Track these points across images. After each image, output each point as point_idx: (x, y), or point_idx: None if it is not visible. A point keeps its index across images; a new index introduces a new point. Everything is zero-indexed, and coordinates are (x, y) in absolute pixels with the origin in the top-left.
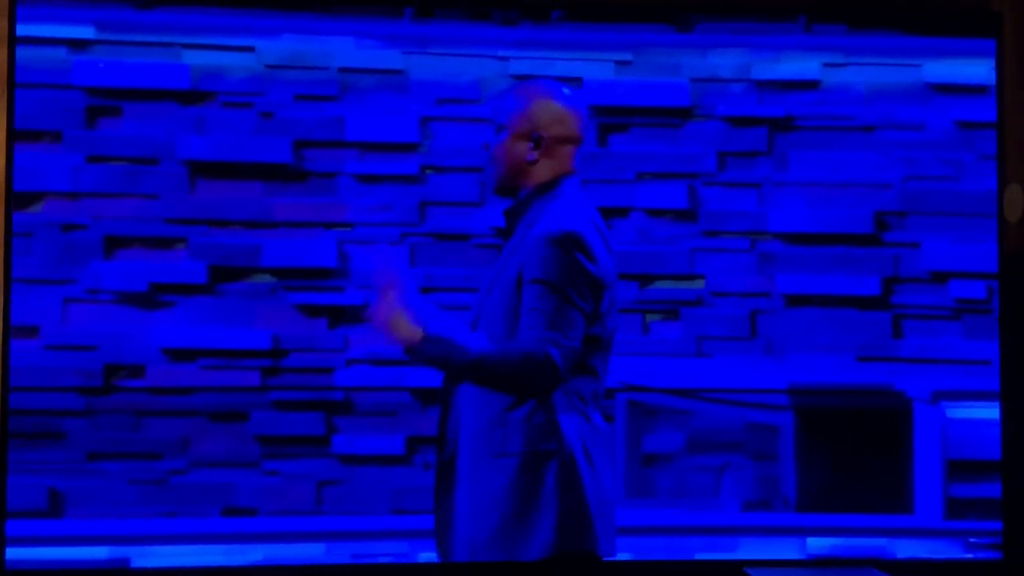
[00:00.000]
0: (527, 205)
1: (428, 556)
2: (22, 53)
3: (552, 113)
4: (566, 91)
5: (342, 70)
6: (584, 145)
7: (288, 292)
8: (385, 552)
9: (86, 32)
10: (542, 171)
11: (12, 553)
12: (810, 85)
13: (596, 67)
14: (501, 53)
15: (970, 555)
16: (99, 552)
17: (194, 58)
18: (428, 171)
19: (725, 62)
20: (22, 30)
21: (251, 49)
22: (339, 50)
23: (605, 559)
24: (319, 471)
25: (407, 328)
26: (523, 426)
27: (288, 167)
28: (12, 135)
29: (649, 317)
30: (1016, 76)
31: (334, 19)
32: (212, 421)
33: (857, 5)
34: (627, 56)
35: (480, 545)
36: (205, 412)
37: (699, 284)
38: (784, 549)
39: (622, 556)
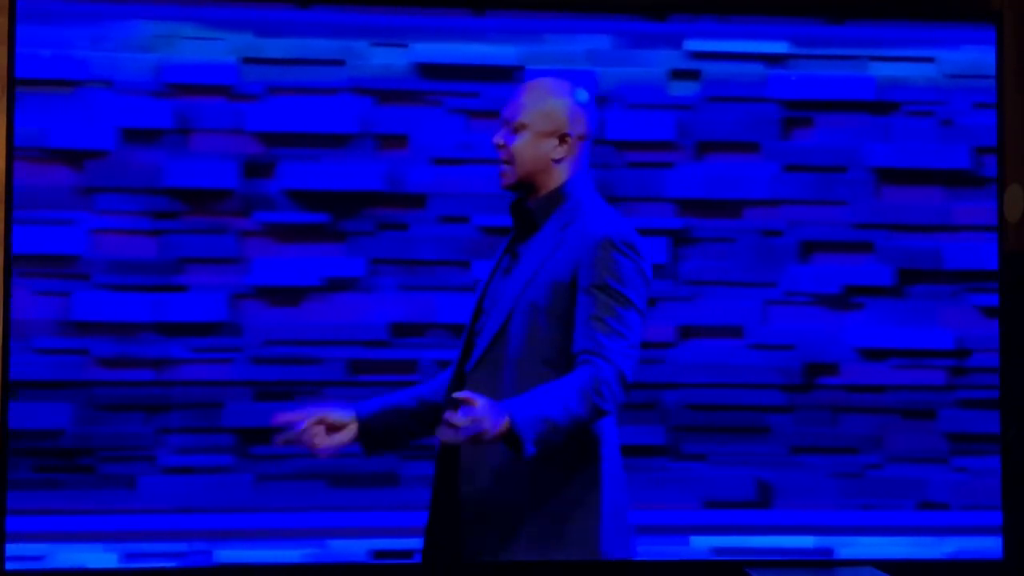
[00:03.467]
0: (554, 203)
1: None
2: (721, 68)
3: (574, 111)
4: (580, 88)
5: None
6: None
7: (969, 294)
8: None
9: (780, 47)
10: (564, 169)
11: (717, 541)
12: None
13: None
14: None
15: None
16: (805, 541)
17: (879, 69)
18: None
19: None
20: (717, 46)
21: (931, 60)
22: None
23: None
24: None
25: (489, 419)
26: None
27: (967, 173)
28: (12, 135)
29: None
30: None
31: None
32: (903, 418)
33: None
34: None
35: (515, 547)
36: (897, 409)
37: None
38: None
39: None
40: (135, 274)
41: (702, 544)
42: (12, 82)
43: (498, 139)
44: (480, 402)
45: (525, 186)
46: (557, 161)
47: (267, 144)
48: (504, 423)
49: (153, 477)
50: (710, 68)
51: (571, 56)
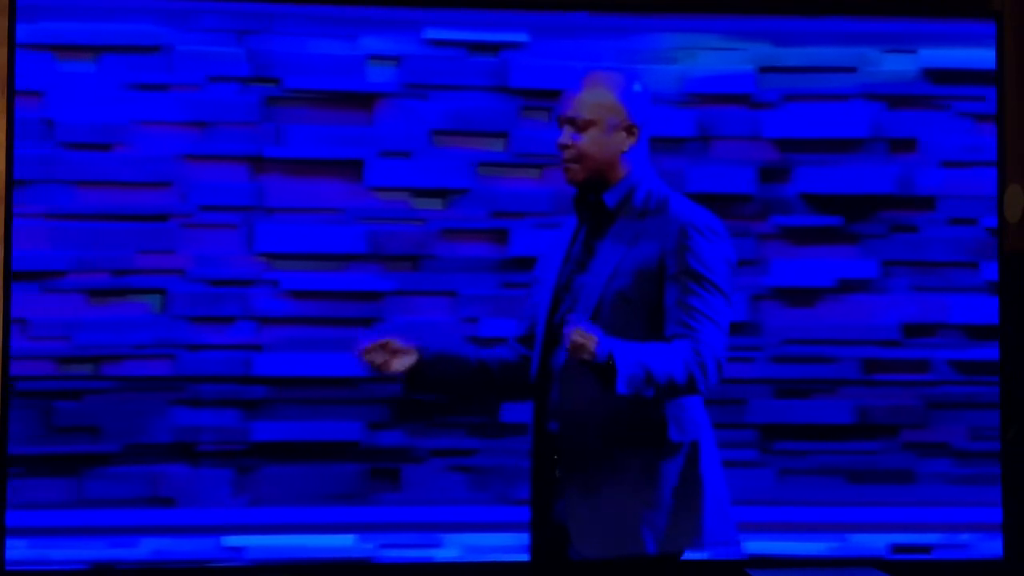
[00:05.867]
0: (627, 194)
1: None
2: None
3: (637, 102)
4: (636, 79)
5: None
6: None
7: None
8: None
9: None
10: (631, 160)
11: None
12: None
13: None
14: None
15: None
16: None
17: None
18: None
19: None
20: None
21: None
22: None
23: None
24: None
25: (598, 342)
26: (662, 414)
27: None
28: (12, 135)
29: None
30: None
31: None
32: None
33: None
34: None
35: (617, 540)
36: None
37: None
38: None
39: None
40: None
41: None
42: (12, 82)
43: (565, 140)
44: (594, 332)
45: (593, 182)
46: (625, 153)
47: (783, 150)
48: (607, 353)
49: None
50: None
51: None
